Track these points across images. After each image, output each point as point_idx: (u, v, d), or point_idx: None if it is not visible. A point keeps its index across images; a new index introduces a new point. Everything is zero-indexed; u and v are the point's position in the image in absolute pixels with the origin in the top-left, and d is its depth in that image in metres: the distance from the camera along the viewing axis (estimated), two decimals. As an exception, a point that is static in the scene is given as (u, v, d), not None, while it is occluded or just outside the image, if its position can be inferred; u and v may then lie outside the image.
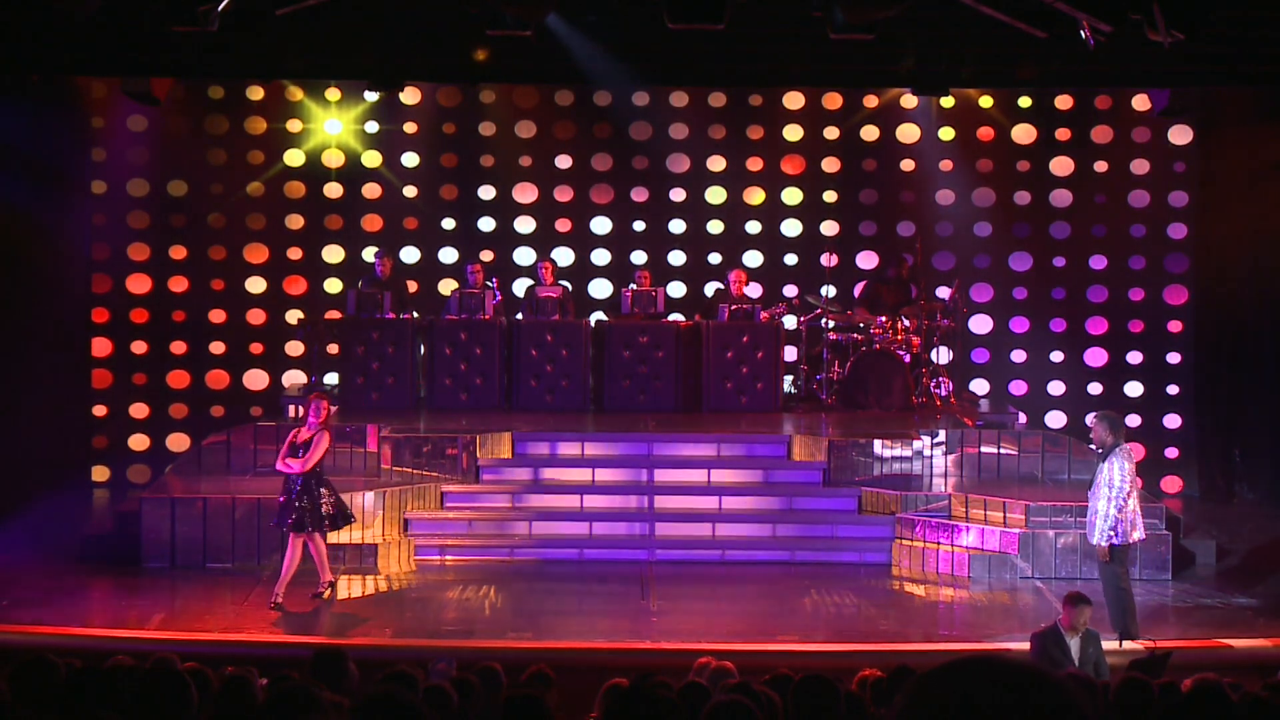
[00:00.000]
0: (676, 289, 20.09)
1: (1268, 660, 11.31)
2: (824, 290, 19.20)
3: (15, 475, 17.03)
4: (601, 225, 20.29)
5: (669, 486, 15.99)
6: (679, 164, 20.26)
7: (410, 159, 20.06)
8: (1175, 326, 20.04)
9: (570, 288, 19.43)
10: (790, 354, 19.21)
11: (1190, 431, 19.88)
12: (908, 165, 20.23)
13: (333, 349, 18.99)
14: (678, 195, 20.28)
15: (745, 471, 16.34)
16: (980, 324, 20.21)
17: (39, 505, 16.87)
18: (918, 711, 2.62)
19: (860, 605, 13.69)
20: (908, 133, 20.19)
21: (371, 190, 20.08)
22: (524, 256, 20.14)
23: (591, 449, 16.51)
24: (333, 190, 20.01)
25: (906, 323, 18.49)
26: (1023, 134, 20.07)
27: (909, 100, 19.89)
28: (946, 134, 20.06)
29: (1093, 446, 12.57)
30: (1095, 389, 20.09)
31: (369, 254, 19.55)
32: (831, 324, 18.72)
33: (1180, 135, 19.92)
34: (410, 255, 20.10)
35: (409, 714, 4.96)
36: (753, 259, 20.16)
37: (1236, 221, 19.03)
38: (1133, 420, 20.01)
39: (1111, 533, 12.06)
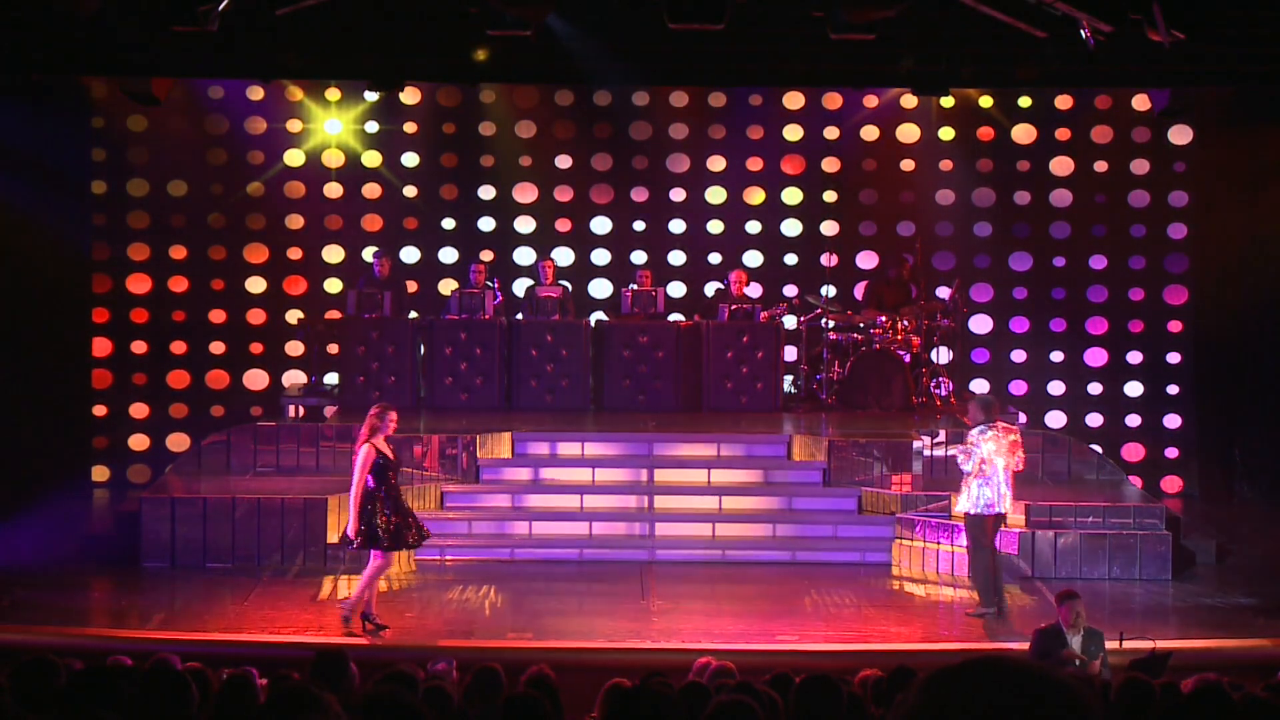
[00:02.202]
0: (676, 289, 20.09)
1: (1268, 660, 11.31)
2: (824, 290, 19.21)
3: (15, 475, 17.03)
4: (601, 225, 20.29)
5: (669, 486, 15.99)
6: (679, 164, 20.26)
7: (410, 159, 20.06)
8: (1175, 326, 20.04)
9: (570, 288, 19.43)
10: (790, 354, 19.21)
11: (1190, 431, 19.88)
12: (908, 165, 20.22)
13: (333, 349, 19.00)
14: (678, 195, 20.28)
15: (745, 471, 16.34)
16: (980, 324, 20.21)
17: (39, 505, 16.87)
18: (926, 711, 2.62)
19: (860, 605, 13.68)
20: (908, 133, 20.19)
21: (371, 190, 20.08)
22: (524, 256, 20.14)
23: (591, 449, 16.51)
24: (333, 190, 20.01)
25: (906, 323, 18.49)
26: (1023, 134, 20.07)
27: (909, 100, 19.89)
28: (946, 134, 20.06)
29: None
30: (1095, 389, 20.09)
31: (368, 254, 19.56)
32: (831, 324, 18.73)
33: (1180, 135, 19.92)
34: (410, 255, 20.10)
35: (409, 714, 4.97)
36: (753, 259, 20.16)
37: (1236, 221, 19.04)
38: (1133, 420, 20.03)
39: (972, 504, 13.04)
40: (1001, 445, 13.00)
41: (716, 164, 20.24)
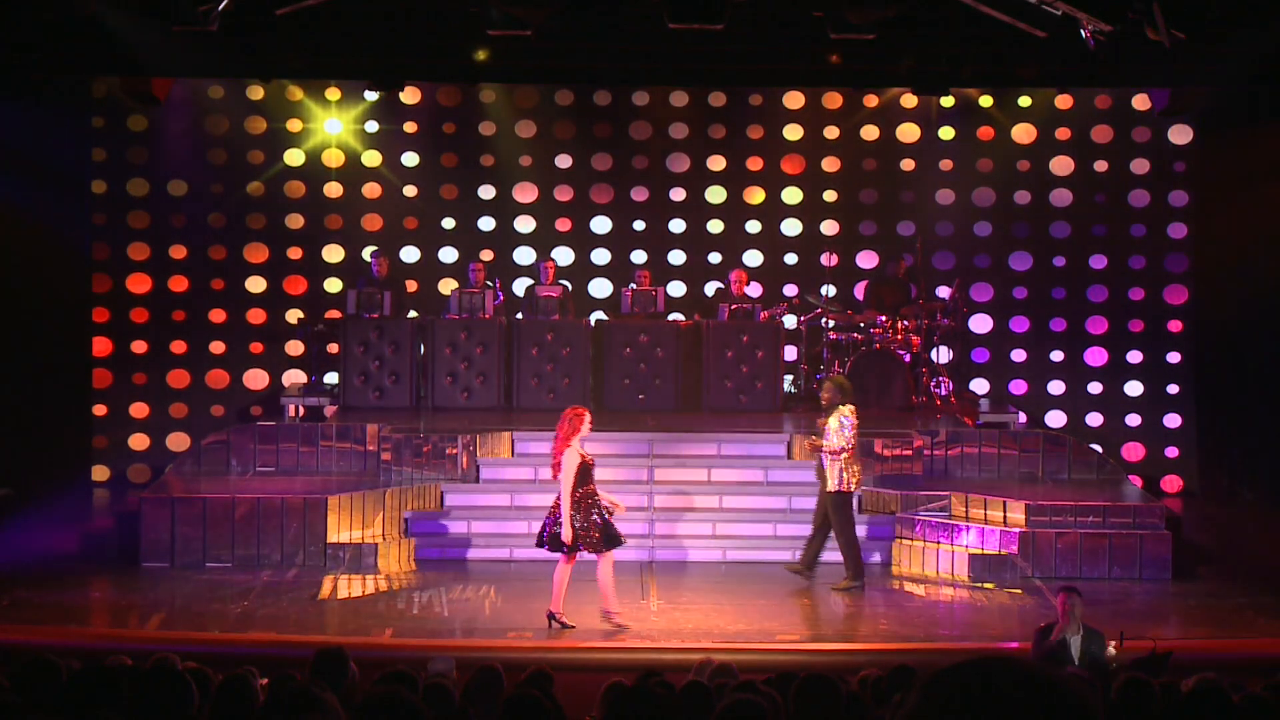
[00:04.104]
0: (676, 289, 20.09)
1: (1268, 660, 11.31)
2: (824, 290, 19.21)
3: (15, 475, 17.02)
4: (601, 225, 20.29)
5: (669, 485, 15.98)
6: (679, 164, 20.26)
7: (410, 159, 20.05)
8: (1175, 326, 20.04)
9: (570, 287, 19.43)
10: (790, 354, 19.21)
11: (1190, 431, 19.88)
12: (908, 165, 20.22)
13: (333, 349, 19.00)
14: (678, 195, 20.28)
15: (745, 470, 16.33)
16: (980, 324, 20.21)
17: (39, 505, 16.87)
18: (927, 711, 2.62)
19: (860, 605, 13.69)
20: (908, 132, 20.19)
21: (371, 190, 20.07)
22: (524, 256, 20.14)
23: (591, 447, 16.44)
24: (333, 190, 20.01)
25: (906, 322, 18.49)
26: (1023, 134, 20.07)
27: (909, 100, 19.89)
28: (946, 134, 20.06)
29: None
30: (1095, 389, 20.09)
31: (366, 254, 19.56)
32: (831, 324, 18.73)
33: (1180, 135, 19.92)
34: (410, 255, 20.10)
35: (409, 714, 4.97)
36: (753, 259, 20.16)
37: (1236, 221, 19.04)
38: (1133, 420, 20.03)
39: (838, 481, 14.01)
40: (855, 425, 14.20)
41: (716, 164, 20.24)
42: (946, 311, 18.88)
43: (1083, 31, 13.93)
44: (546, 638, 12.33)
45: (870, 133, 20.20)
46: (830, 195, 20.24)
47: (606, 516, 12.61)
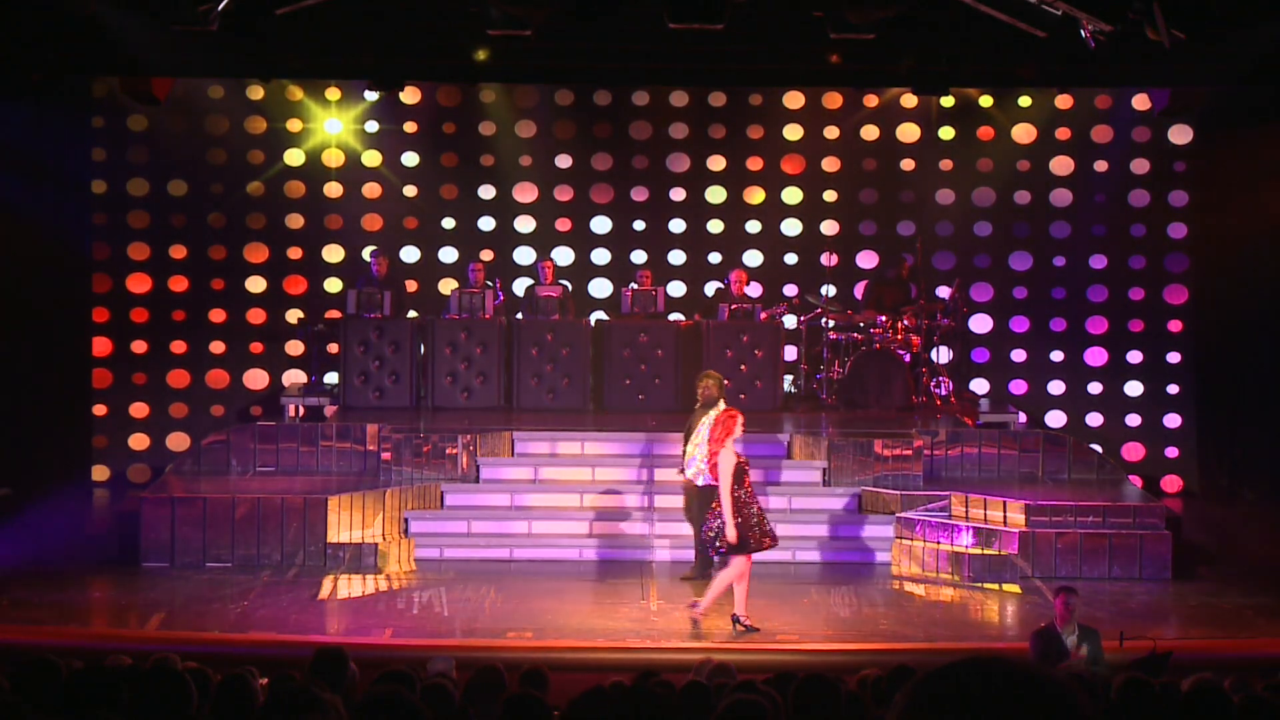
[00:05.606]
0: (676, 289, 20.09)
1: (1268, 660, 11.31)
2: (824, 290, 19.21)
3: (15, 475, 17.03)
4: (601, 225, 20.30)
5: (669, 485, 15.96)
6: (679, 164, 20.26)
7: (410, 159, 20.06)
8: (1175, 326, 20.05)
9: (570, 287, 19.44)
10: (790, 353, 19.21)
11: (1190, 431, 19.89)
12: (908, 165, 20.23)
13: (333, 349, 19.00)
14: (678, 195, 20.29)
15: (745, 471, 16.31)
16: (980, 324, 20.21)
17: (39, 505, 16.87)
18: (917, 712, 2.62)
19: (860, 605, 13.68)
20: (908, 132, 20.19)
21: (371, 190, 20.08)
22: (524, 256, 20.14)
23: (592, 448, 16.51)
24: (333, 190, 20.01)
25: (906, 322, 18.50)
26: (1023, 134, 20.07)
27: (909, 100, 19.89)
28: (946, 134, 20.06)
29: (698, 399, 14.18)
30: (1095, 389, 20.10)
31: (365, 254, 19.56)
32: (831, 323, 18.73)
33: (1180, 135, 19.93)
34: (410, 255, 20.10)
35: (409, 714, 4.97)
36: (753, 259, 20.16)
37: (1236, 221, 19.05)
38: (1133, 420, 20.03)
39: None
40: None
41: (716, 164, 20.24)
42: (946, 311, 18.88)
43: (1083, 31, 13.93)
44: (546, 637, 12.31)
45: (870, 133, 20.21)
46: (830, 195, 20.25)
47: (759, 519, 12.49)
